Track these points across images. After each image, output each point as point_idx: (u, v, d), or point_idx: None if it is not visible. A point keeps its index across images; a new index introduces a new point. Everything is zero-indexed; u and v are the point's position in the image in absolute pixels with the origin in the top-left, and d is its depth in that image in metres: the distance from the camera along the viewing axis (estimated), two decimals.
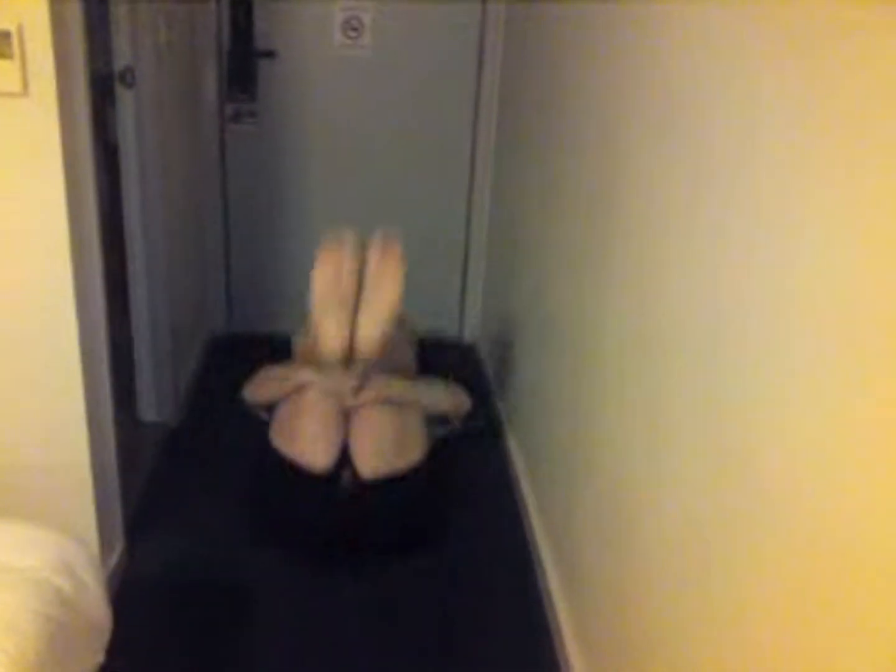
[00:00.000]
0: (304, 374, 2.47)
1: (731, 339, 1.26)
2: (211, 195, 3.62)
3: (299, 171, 3.67)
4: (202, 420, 3.06)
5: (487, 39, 3.52)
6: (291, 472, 2.29)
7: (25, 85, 1.69)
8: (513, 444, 2.93)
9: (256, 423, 2.52)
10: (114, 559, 2.20)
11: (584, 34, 2.27)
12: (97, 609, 1.49)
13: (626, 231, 1.81)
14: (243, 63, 3.49)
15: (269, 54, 3.48)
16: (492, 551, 2.49)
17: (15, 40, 1.65)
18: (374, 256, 2.41)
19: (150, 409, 2.95)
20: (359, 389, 2.40)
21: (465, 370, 3.02)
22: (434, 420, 2.55)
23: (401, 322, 2.52)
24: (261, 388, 2.57)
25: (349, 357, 2.34)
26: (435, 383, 2.68)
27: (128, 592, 2.12)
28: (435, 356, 2.91)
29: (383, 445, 2.33)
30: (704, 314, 1.37)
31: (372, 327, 2.34)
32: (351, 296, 2.36)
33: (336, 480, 2.28)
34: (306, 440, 2.31)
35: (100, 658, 1.48)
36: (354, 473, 2.27)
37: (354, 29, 3.48)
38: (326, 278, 2.39)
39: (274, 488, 2.56)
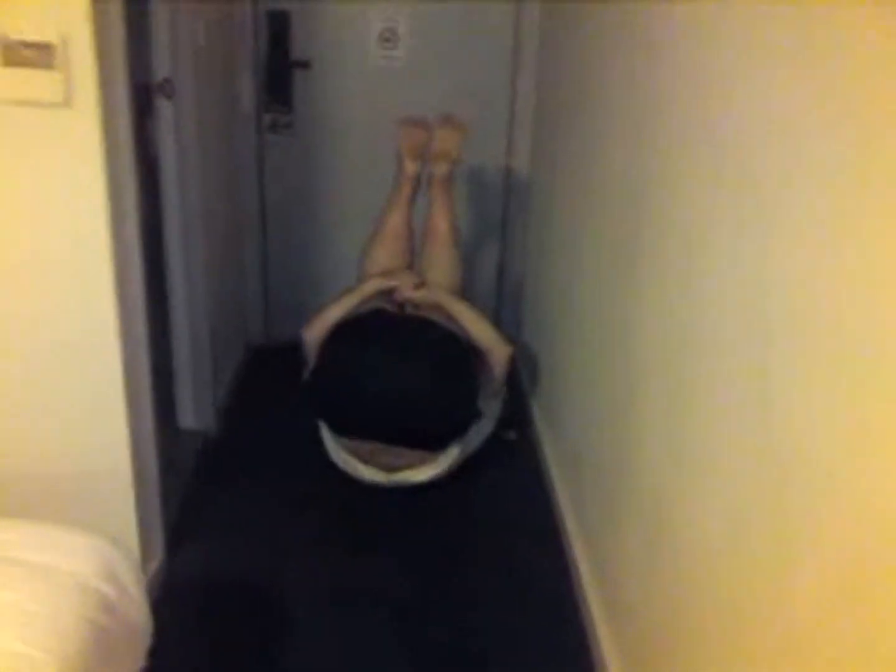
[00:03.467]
0: (370, 285, 2.84)
1: (780, 339, 1.23)
2: (249, 205, 3.65)
3: (335, 180, 3.69)
4: (241, 428, 3.08)
5: (522, 42, 3.52)
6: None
7: (68, 96, 1.71)
8: (548, 452, 2.91)
9: (299, 428, 2.54)
10: (154, 565, 2.21)
11: (618, 34, 2.25)
12: (139, 615, 1.50)
13: (661, 229, 1.79)
14: (280, 73, 3.52)
15: (305, 64, 3.51)
16: (528, 569, 2.46)
17: (59, 52, 1.67)
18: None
19: (189, 417, 2.97)
20: (419, 286, 2.76)
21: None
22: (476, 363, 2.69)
23: (457, 243, 3.00)
24: (327, 311, 2.78)
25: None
26: (484, 319, 2.83)
27: (168, 599, 2.13)
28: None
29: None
30: (751, 312, 1.35)
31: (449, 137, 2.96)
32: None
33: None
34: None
35: (141, 663, 1.49)
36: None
37: (389, 40, 3.50)
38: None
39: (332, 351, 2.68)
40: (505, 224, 3.80)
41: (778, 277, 1.25)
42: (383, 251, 2.98)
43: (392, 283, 2.79)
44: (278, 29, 3.46)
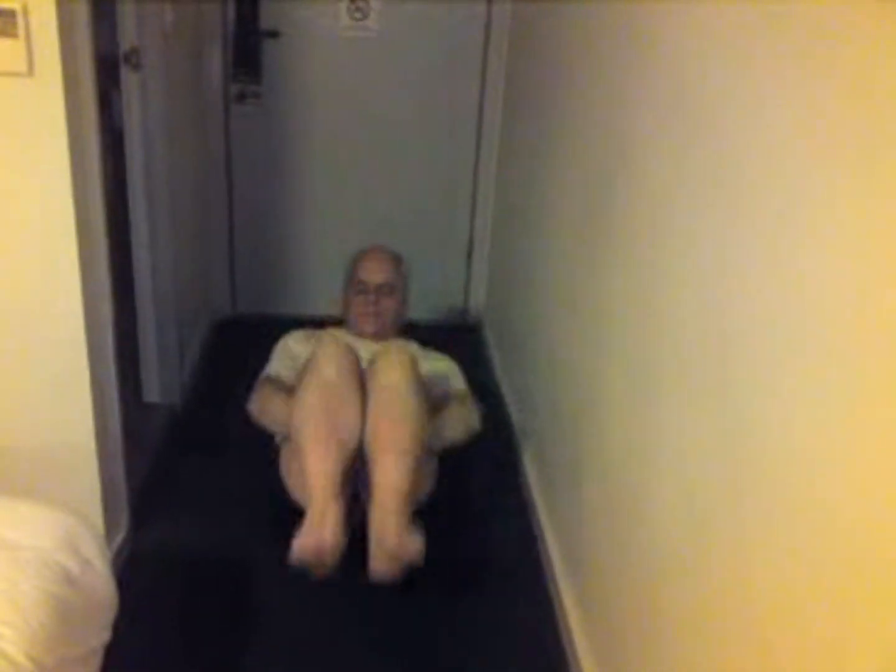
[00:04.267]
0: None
1: (739, 329, 1.26)
2: (215, 177, 3.61)
3: (304, 152, 3.66)
4: (207, 402, 3.07)
5: (494, 16, 3.50)
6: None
7: (31, 65, 1.68)
8: (516, 428, 2.94)
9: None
10: (118, 539, 2.21)
11: (590, 19, 2.26)
12: (103, 588, 1.50)
13: (630, 217, 1.81)
14: (248, 43, 3.47)
15: (274, 34, 3.46)
16: (501, 545, 2.48)
17: (20, 19, 1.64)
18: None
19: (154, 391, 2.96)
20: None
21: (470, 353, 3.00)
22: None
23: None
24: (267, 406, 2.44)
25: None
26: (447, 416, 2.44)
27: (132, 571, 2.13)
28: (440, 338, 2.90)
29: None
30: (710, 295, 1.37)
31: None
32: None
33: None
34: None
35: (106, 636, 1.49)
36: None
37: (360, 10, 3.46)
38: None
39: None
40: (475, 202, 3.80)
41: (736, 272, 1.27)
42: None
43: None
44: None
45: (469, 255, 3.88)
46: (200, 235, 3.47)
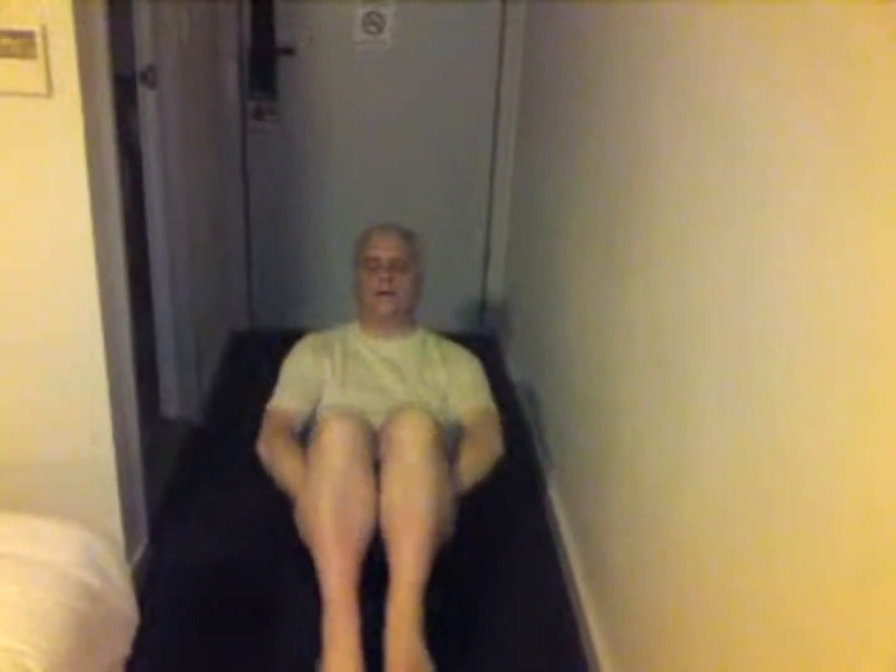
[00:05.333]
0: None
1: (765, 333, 1.25)
2: (232, 192, 3.64)
3: (320, 167, 3.69)
4: (225, 416, 3.08)
5: (508, 32, 3.52)
6: None
7: (49, 86, 1.70)
8: (535, 436, 2.93)
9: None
10: (138, 554, 2.22)
11: (607, 21, 2.26)
12: (123, 604, 1.50)
13: (651, 221, 1.80)
14: (264, 60, 3.50)
15: (289, 51, 3.49)
16: (519, 561, 2.47)
17: (39, 41, 1.66)
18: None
19: (173, 405, 2.98)
20: None
21: (486, 363, 2.98)
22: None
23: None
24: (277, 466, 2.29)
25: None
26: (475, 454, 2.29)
27: (153, 587, 2.14)
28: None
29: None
30: (734, 304, 1.37)
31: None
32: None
33: None
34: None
35: (126, 651, 1.50)
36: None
37: (374, 24, 3.49)
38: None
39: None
40: (491, 214, 3.81)
41: (759, 281, 1.26)
42: None
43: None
44: (262, 15, 3.45)
45: (485, 264, 3.88)
46: (218, 250, 3.49)
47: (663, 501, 1.65)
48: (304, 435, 2.34)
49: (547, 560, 2.43)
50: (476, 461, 2.26)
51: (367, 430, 2.14)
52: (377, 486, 2.04)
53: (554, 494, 2.61)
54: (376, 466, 2.09)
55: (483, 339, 3.84)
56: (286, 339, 2.86)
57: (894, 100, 0.93)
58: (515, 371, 3.39)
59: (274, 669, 2.00)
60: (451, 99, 3.63)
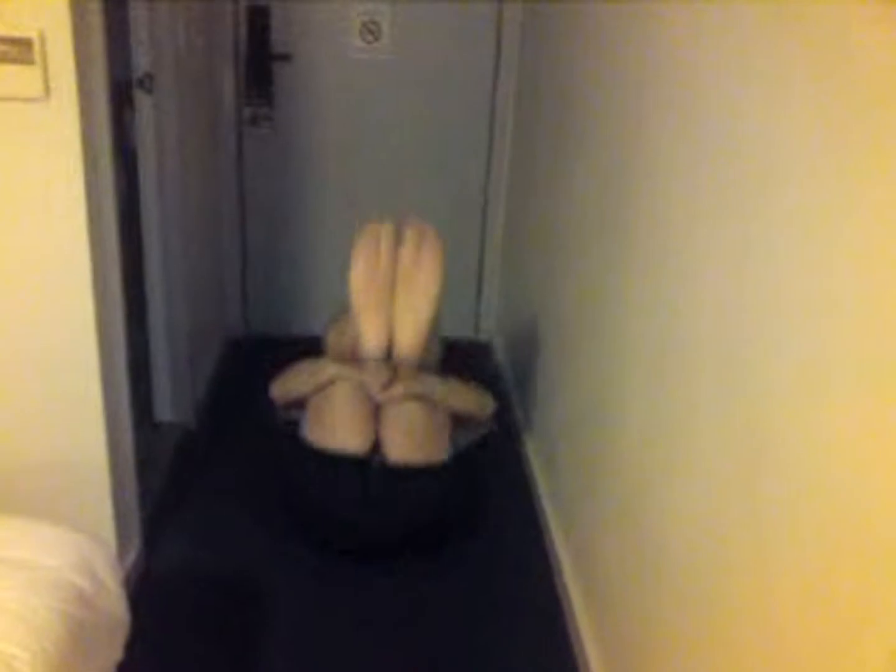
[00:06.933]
0: (335, 369, 2.49)
1: (760, 334, 1.26)
2: (228, 198, 3.65)
3: (316, 173, 3.69)
4: (219, 421, 3.08)
5: (504, 39, 3.53)
6: (321, 464, 2.32)
7: (47, 91, 1.72)
8: (530, 448, 2.94)
9: (279, 424, 2.55)
10: (131, 558, 2.22)
11: (601, 29, 2.27)
12: (116, 608, 1.51)
13: (646, 226, 1.81)
14: (260, 67, 3.51)
15: (286, 57, 3.50)
16: (512, 559, 2.49)
17: (37, 47, 1.67)
18: (408, 252, 2.46)
19: (167, 410, 2.98)
20: (389, 384, 2.42)
21: (482, 370, 2.99)
22: (459, 421, 2.55)
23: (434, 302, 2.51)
24: (290, 382, 2.57)
25: (388, 355, 2.42)
26: (461, 383, 2.64)
27: (145, 591, 2.14)
28: (450, 356, 2.91)
29: (412, 436, 2.36)
30: (730, 309, 1.37)
31: (411, 333, 2.42)
32: (388, 295, 2.42)
33: (366, 469, 2.29)
34: (342, 428, 2.33)
35: (119, 655, 1.50)
36: (383, 462, 2.29)
37: (371, 32, 3.50)
38: (363, 276, 2.44)
39: (299, 482, 2.53)
40: (485, 220, 3.82)
41: (751, 271, 1.27)
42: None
43: (360, 380, 2.44)
44: (258, 22, 3.46)
45: (480, 272, 3.90)
46: (213, 256, 3.50)
47: (653, 498, 1.66)
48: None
49: (536, 558, 2.44)
50: (466, 392, 2.58)
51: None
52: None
53: (543, 490, 2.62)
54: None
55: (478, 346, 3.86)
56: (281, 345, 2.87)
57: (891, 100, 0.94)
58: (512, 380, 3.40)
59: None
60: (447, 104, 3.64)
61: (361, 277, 2.43)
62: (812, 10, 1.13)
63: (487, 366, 3.66)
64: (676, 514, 1.56)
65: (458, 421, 2.54)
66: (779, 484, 1.17)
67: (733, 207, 1.36)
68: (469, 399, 2.60)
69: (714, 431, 1.40)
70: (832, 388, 1.05)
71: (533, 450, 2.89)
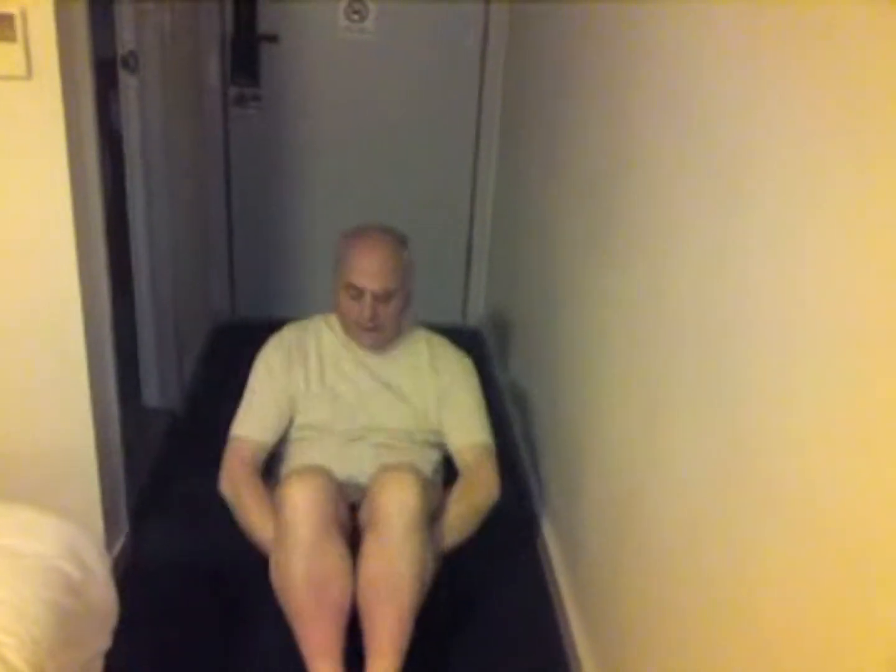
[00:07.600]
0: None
1: (738, 332, 1.25)
2: (214, 180, 3.61)
3: (303, 155, 3.66)
4: (206, 406, 3.05)
5: (492, 23, 3.50)
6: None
7: (29, 68, 1.68)
8: (517, 431, 2.93)
9: None
10: (118, 545, 2.20)
11: (590, 21, 2.25)
12: (103, 595, 1.49)
13: (630, 218, 1.80)
14: (246, 47, 3.47)
15: (272, 38, 3.46)
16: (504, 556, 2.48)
17: (18, 23, 1.63)
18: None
19: (154, 395, 2.95)
20: None
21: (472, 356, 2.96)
22: None
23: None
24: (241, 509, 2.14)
25: None
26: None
27: (133, 578, 2.12)
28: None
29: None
30: (710, 304, 1.36)
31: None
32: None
33: None
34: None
35: (106, 643, 1.49)
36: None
37: (358, 13, 3.46)
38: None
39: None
40: (473, 205, 3.80)
41: (739, 282, 1.27)
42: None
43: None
44: (245, 2, 3.41)
45: (468, 259, 3.88)
46: (199, 239, 3.46)
47: (636, 497, 1.66)
48: (269, 463, 2.26)
49: (528, 556, 2.43)
50: (469, 513, 2.11)
51: (332, 489, 1.97)
52: (352, 550, 1.93)
53: (534, 486, 2.61)
54: (352, 533, 2.00)
55: (467, 332, 3.84)
56: (268, 330, 2.83)
57: (881, 97, 0.93)
58: (499, 366, 3.39)
59: (252, 662, 1.99)
60: (434, 88, 3.61)
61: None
62: (791, 10, 1.12)
63: (474, 349, 3.64)
64: (660, 514, 1.55)
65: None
66: (757, 483, 1.16)
67: (713, 202, 1.35)
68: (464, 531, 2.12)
69: (695, 430, 1.39)
70: (805, 387, 1.05)
71: (525, 445, 2.88)
